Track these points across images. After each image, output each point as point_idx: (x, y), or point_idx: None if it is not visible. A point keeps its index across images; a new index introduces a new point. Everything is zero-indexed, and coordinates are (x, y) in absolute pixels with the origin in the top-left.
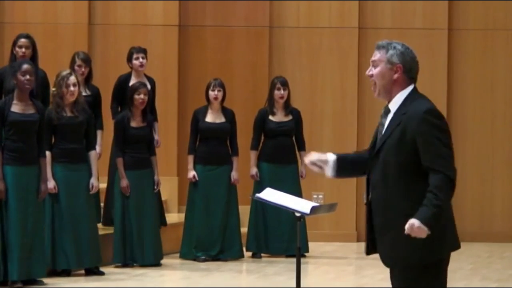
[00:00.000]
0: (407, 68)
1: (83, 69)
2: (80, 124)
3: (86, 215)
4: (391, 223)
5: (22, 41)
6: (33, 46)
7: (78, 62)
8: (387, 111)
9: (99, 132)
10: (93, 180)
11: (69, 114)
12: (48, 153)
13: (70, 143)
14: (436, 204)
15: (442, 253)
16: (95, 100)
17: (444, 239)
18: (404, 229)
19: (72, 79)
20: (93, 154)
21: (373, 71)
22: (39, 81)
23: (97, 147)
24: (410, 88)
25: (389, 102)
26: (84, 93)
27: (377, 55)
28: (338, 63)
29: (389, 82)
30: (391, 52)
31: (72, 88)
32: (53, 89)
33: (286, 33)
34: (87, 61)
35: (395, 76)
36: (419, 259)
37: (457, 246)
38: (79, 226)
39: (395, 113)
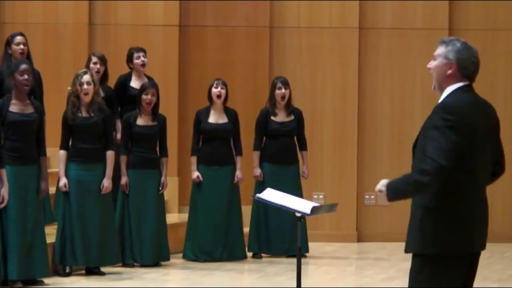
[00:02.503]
0: (461, 66)
1: (98, 66)
2: (94, 125)
3: (96, 215)
4: (412, 212)
5: (19, 38)
6: (27, 43)
7: (94, 59)
8: None
9: None
10: (104, 181)
11: (84, 114)
12: (63, 152)
13: (84, 143)
14: (406, 182)
15: (443, 248)
16: (107, 101)
17: (450, 236)
18: (418, 219)
19: (86, 77)
20: (109, 155)
21: (432, 64)
22: (36, 79)
23: None
24: (458, 84)
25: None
26: None
27: (437, 50)
28: (338, 63)
29: (443, 77)
30: (449, 48)
31: (85, 86)
32: (69, 88)
33: (287, 33)
34: (103, 59)
35: (449, 72)
36: (420, 248)
37: (463, 248)
38: (87, 225)
39: None
